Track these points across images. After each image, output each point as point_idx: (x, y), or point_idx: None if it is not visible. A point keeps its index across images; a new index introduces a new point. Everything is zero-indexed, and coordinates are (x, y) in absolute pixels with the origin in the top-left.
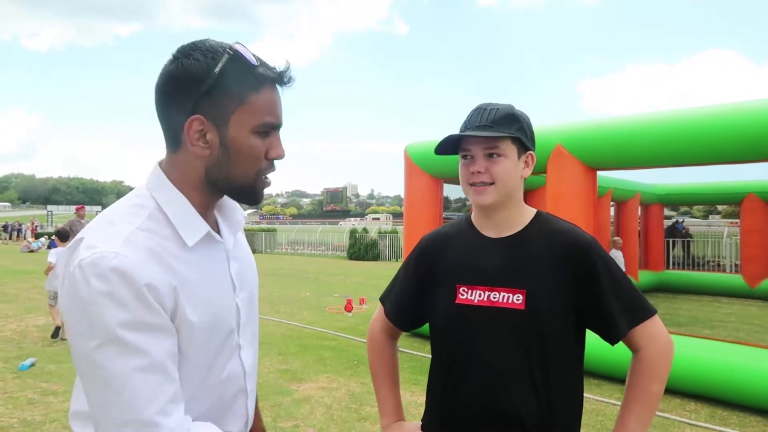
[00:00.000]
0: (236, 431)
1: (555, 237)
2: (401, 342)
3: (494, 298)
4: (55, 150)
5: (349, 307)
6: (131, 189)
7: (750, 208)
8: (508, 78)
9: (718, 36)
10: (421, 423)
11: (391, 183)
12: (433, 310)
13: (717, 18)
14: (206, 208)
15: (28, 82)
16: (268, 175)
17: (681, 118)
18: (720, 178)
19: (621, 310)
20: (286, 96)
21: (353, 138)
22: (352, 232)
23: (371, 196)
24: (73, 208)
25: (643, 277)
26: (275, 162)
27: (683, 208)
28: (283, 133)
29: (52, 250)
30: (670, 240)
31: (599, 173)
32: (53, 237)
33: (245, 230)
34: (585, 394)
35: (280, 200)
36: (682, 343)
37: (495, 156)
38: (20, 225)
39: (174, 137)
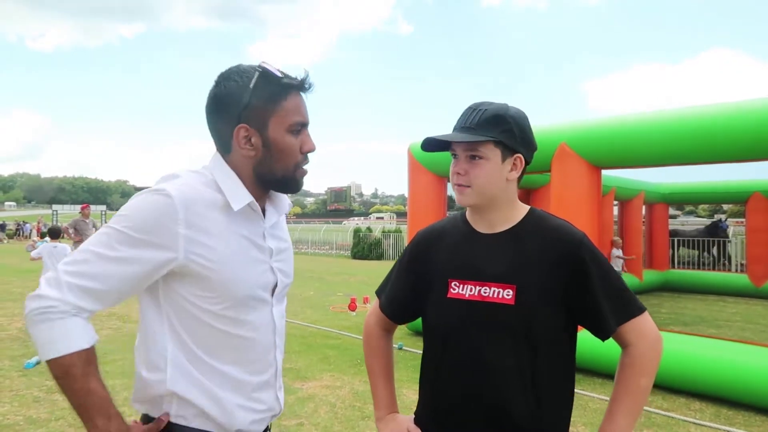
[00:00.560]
0: (267, 377)
1: (546, 233)
2: (405, 341)
3: (485, 293)
4: (60, 150)
5: (352, 306)
6: (135, 188)
7: (755, 207)
8: (513, 78)
9: (722, 35)
10: (414, 416)
11: (395, 182)
12: (425, 304)
13: (721, 17)
14: (256, 198)
15: (34, 82)
16: (304, 167)
17: (686, 117)
18: (725, 177)
19: (611, 307)
20: None
21: (357, 137)
22: (356, 231)
23: (375, 195)
24: (78, 207)
25: (647, 277)
26: (308, 155)
27: (688, 207)
28: None
29: (39, 247)
30: (707, 240)
31: (603, 172)
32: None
33: None
34: (589, 393)
35: None
36: (688, 342)
37: (477, 158)
38: (24, 224)
39: (224, 144)
